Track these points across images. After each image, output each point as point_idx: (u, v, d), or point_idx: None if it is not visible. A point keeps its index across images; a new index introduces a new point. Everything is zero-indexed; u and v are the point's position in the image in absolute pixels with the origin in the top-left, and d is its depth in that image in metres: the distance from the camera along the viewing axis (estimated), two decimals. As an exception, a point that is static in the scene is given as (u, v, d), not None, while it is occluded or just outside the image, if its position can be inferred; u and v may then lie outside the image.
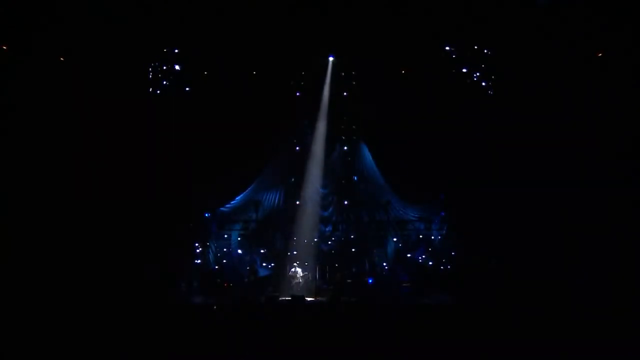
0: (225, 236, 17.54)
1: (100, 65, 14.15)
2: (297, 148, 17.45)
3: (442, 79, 15.83)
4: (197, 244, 16.82)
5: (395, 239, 17.21)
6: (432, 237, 17.02)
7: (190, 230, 16.70)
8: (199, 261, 16.75)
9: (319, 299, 14.70)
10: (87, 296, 11.85)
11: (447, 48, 15.50)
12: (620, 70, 13.18)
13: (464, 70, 15.82)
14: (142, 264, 14.38)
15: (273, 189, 17.44)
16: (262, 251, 17.08)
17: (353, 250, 17.12)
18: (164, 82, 15.99)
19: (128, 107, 14.64)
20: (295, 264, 15.70)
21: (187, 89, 16.07)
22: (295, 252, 16.52)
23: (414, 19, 13.91)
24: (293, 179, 17.37)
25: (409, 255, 16.85)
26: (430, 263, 16.53)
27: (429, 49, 15.31)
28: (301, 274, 15.53)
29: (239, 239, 17.43)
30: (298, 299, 13.69)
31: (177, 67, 15.93)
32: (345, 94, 16.82)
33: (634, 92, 12.92)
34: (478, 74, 15.81)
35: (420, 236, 17.12)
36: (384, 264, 17.03)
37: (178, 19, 13.91)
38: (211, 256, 17.05)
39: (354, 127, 17.45)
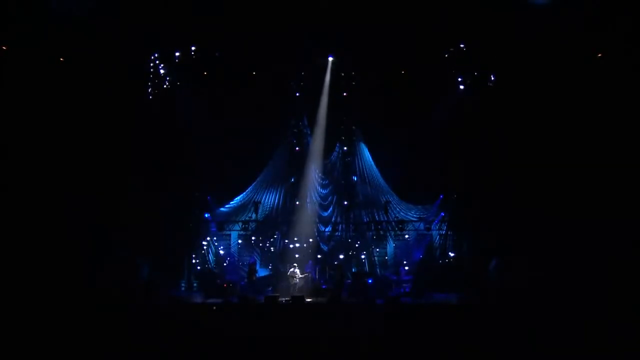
0: (226, 238, 17.54)
1: (100, 65, 14.14)
2: (297, 148, 17.48)
3: (441, 80, 15.90)
4: (196, 244, 16.81)
5: (395, 239, 17.19)
6: (432, 237, 16.99)
7: (191, 231, 16.70)
8: (198, 261, 16.76)
9: (319, 299, 14.68)
10: (86, 296, 11.84)
11: (447, 48, 15.54)
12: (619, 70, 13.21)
13: (464, 71, 15.89)
14: (142, 264, 14.38)
15: (273, 189, 17.44)
16: (261, 254, 17.08)
17: (353, 251, 17.12)
18: (165, 82, 16.03)
19: (127, 107, 14.66)
20: (294, 264, 15.68)
21: (186, 88, 16.10)
22: (294, 253, 16.51)
23: (414, 19, 13.91)
24: (293, 179, 17.38)
25: (408, 256, 16.84)
26: (430, 263, 16.49)
27: (429, 50, 15.32)
28: (300, 275, 15.50)
29: (239, 240, 17.44)
30: (298, 299, 13.69)
31: (176, 68, 15.97)
32: (345, 94, 16.84)
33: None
34: (478, 74, 15.86)
35: (420, 236, 17.11)
36: (383, 264, 17.02)
37: (178, 18, 13.90)
38: (211, 256, 17.06)
39: (353, 127, 17.47)
